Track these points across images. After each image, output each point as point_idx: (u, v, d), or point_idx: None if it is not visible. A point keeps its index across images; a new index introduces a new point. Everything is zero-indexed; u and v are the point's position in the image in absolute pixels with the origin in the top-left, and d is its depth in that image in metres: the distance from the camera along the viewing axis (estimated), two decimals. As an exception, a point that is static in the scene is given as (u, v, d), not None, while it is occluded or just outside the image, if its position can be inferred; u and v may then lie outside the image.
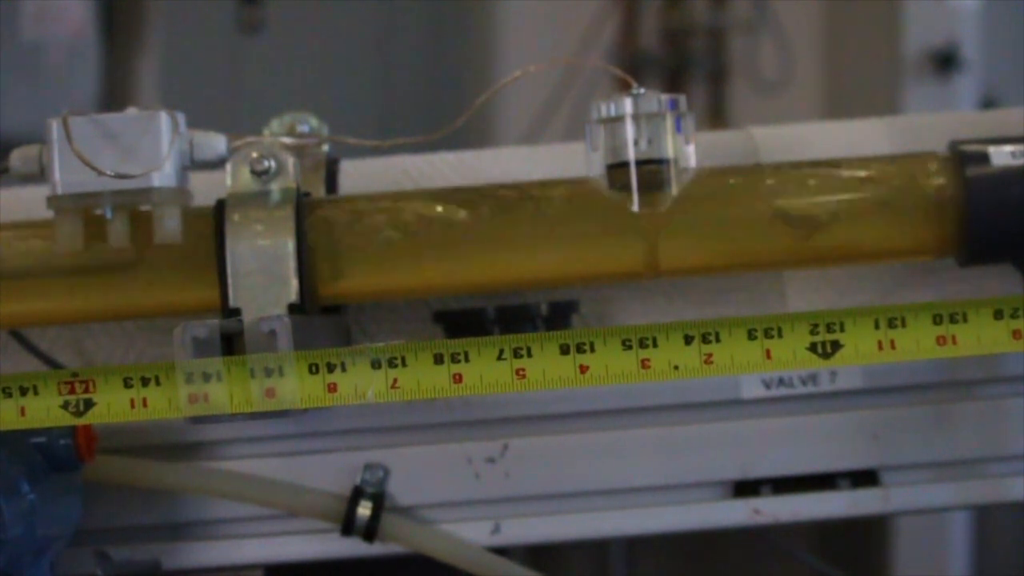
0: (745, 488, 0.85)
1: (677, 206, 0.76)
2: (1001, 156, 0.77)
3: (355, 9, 3.07)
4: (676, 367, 0.68)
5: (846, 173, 0.78)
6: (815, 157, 0.80)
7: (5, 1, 2.26)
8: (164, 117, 0.75)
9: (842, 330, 0.69)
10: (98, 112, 0.74)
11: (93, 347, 0.86)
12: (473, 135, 2.09)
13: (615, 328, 0.69)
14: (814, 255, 0.78)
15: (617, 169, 0.77)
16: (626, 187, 0.76)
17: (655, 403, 0.84)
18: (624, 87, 0.78)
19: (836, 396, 0.85)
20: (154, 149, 0.74)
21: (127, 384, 0.68)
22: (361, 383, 0.68)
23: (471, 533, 0.84)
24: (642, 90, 0.76)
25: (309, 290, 0.75)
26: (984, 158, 0.77)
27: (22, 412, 0.69)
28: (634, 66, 2.64)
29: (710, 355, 0.68)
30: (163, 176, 0.74)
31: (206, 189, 0.79)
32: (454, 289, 0.80)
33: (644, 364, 0.68)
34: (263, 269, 0.74)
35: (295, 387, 0.68)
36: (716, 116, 2.72)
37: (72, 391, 0.69)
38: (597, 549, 2.15)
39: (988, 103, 2.20)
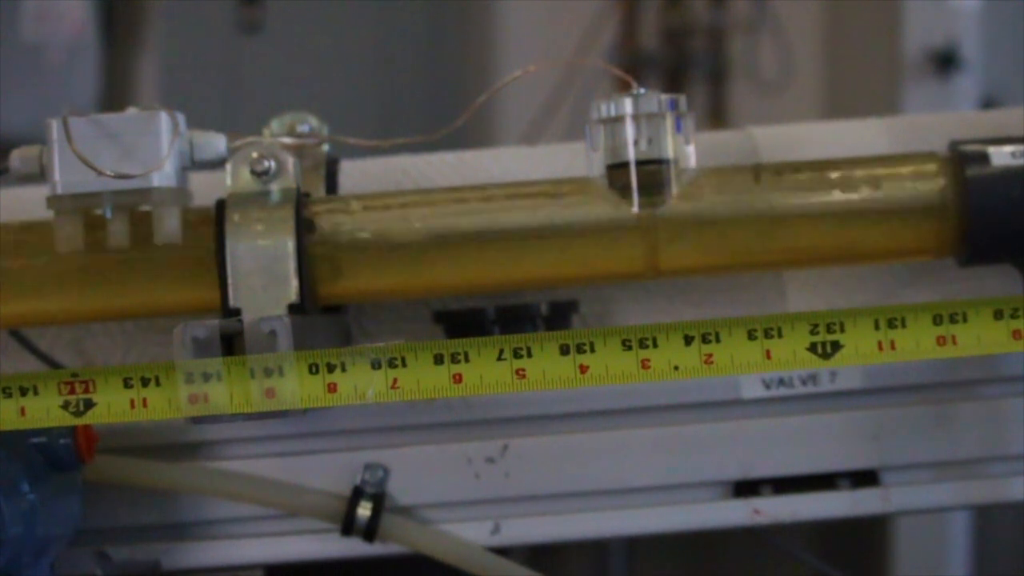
0: (745, 488, 0.85)
1: (677, 206, 0.76)
2: (1001, 156, 0.77)
3: (355, 9, 3.07)
4: (676, 367, 0.68)
5: (846, 173, 0.78)
6: (815, 157, 0.80)
7: (5, 1, 2.26)
8: (164, 117, 0.75)
9: (842, 330, 0.69)
10: (98, 112, 0.74)
11: (93, 347, 0.86)
12: (473, 135, 2.09)
13: (615, 328, 0.69)
14: (814, 255, 0.78)
15: (617, 169, 0.77)
16: (626, 187, 0.76)
17: (655, 403, 0.84)
18: (624, 87, 0.78)
19: (836, 396, 0.85)
20: (154, 149, 0.74)
21: (127, 384, 0.68)
22: (361, 383, 0.68)
23: (471, 533, 0.84)
24: (642, 90, 0.77)
25: (309, 290, 0.75)
26: (984, 158, 0.77)
27: (22, 412, 0.69)
28: (634, 66, 2.64)
29: (710, 355, 0.68)
30: (163, 176, 0.74)
31: (206, 189, 0.79)
32: (454, 289, 0.80)
33: (644, 364, 0.68)
34: (263, 269, 0.74)
35: (295, 387, 0.68)
36: (716, 116, 2.72)
37: (72, 391, 0.69)
38: (597, 549, 2.15)
39: (988, 103, 2.20)
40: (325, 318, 0.79)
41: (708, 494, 0.85)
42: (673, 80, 2.71)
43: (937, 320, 0.69)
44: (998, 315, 0.69)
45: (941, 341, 0.69)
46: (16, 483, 0.73)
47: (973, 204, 0.76)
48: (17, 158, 0.75)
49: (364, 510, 0.82)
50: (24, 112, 2.06)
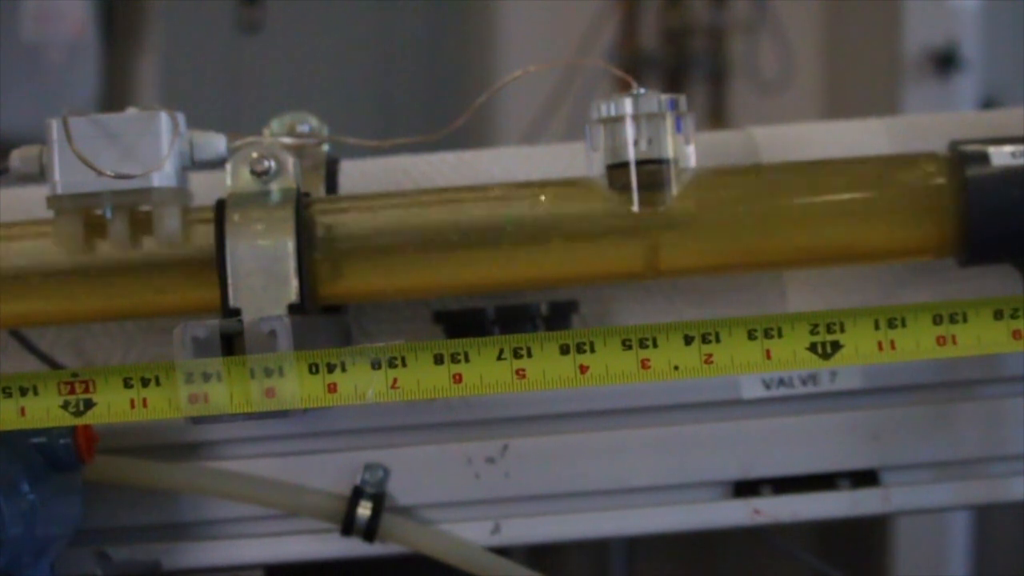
0: (745, 488, 0.85)
1: (677, 206, 0.76)
2: (1001, 156, 0.77)
3: (355, 9, 3.07)
4: (676, 367, 0.68)
5: (846, 173, 0.78)
6: (815, 157, 0.80)
7: (5, 1, 2.27)
8: (164, 117, 0.75)
9: (842, 330, 0.69)
10: (98, 112, 0.74)
11: (93, 347, 0.86)
12: (473, 135, 2.09)
13: (615, 328, 0.69)
14: (814, 255, 0.78)
15: (617, 169, 0.77)
16: (626, 187, 0.76)
17: (655, 403, 0.84)
18: (624, 87, 0.78)
19: (836, 396, 0.85)
20: (154, 149, 0.74)
21: (127, 384, 0.68)
22: (361, 383, 0.68)
23: (471, 533, 0.84)
24: (642, 90, 0.76)
25: (309, 290, 0.75)
26: (984, 158, 0.77)
27: (22, 412, 0.69)
28: (634, 66, 2.64)
29: (710, 355, 0.68)
30: (163, 176, 0.74)
31: (206, 189, 0.79)
32: (454, 289, 0.80)
33: (644, 364, 0.68)
34: (263, 269, 0.74)
35: (295, 387, 0.68)
36: (716, 116, 2.72)
37: (72, 391, 0.69)
38: (597, 549, 2.15)
39: (988, 103, 2.20)
40: (325, 318, 0.79)
41: (708, 494, 0.85)
42: (673, 80, 2.71)
43: (937, 320, 0.69)
44: (998, 315, 0.69)
45: (941, 341, 0.69)
46: (16, 483, 0.73)
47: (973, 204, 0.76)
48: (17, 158, 0.75)
49: (364, 510, 0.82)
50: (24, 112, 2.06)
